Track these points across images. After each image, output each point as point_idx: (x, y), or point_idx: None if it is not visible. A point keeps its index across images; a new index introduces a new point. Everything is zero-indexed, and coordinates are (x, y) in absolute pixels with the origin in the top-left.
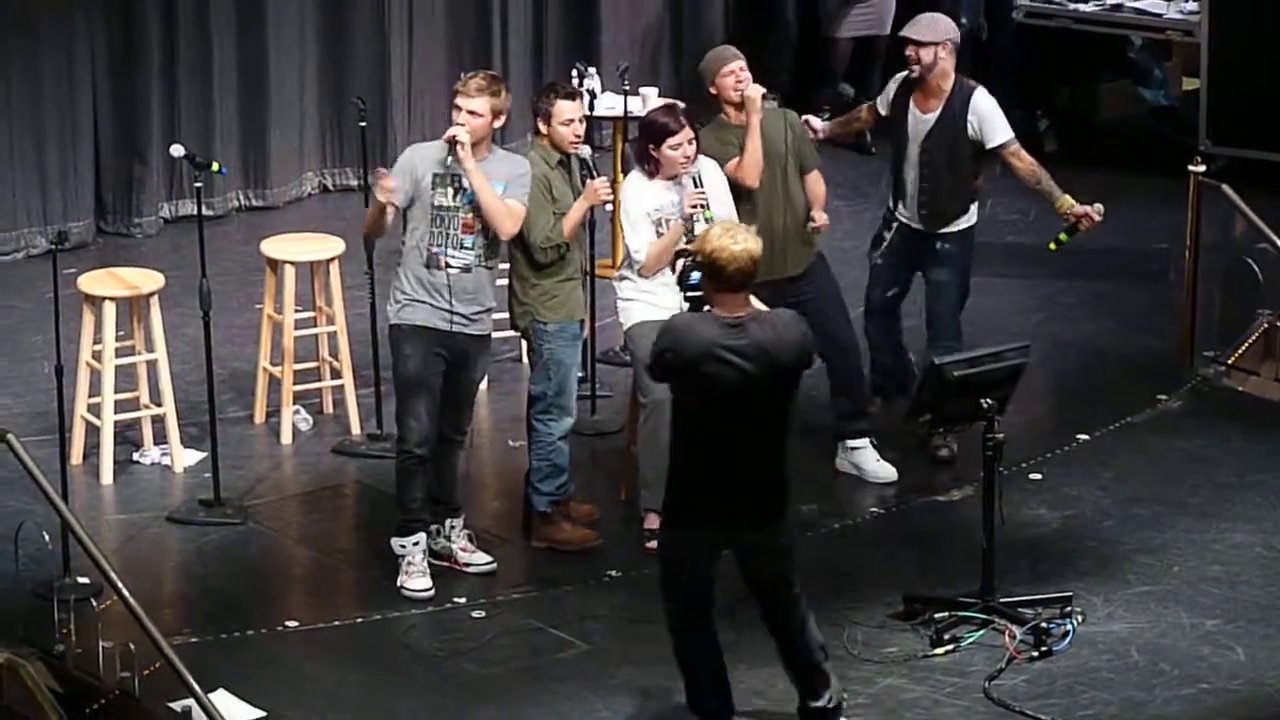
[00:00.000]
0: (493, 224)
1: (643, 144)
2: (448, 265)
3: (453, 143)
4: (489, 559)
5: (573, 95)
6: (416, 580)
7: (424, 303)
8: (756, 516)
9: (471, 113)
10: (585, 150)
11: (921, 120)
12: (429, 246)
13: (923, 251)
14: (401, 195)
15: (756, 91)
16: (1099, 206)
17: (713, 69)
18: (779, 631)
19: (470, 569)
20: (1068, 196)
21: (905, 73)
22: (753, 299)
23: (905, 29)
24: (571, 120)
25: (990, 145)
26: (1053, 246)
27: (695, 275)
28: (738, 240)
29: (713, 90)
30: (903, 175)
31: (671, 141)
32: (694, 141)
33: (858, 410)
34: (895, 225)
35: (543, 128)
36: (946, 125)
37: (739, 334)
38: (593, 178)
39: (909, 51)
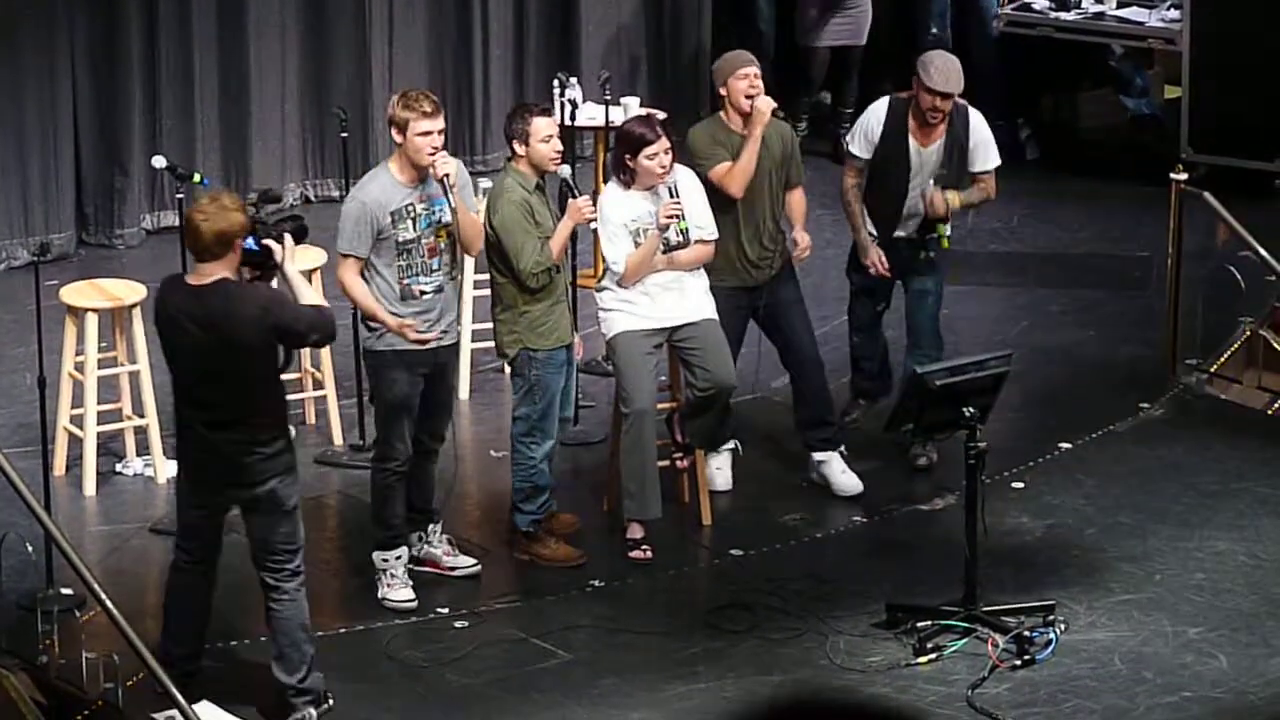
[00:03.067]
0: (468, 245)
1: (619, 154)
2: (422, 293)
3: (444, 179)
4: (474, 561)
5: (547, 111)
6: (399, 592)
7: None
8: (238, 478)
9: (440, 132)
10: (565, 169)
11: (926, 153)
12: (399, 281)
13: (905, 263)
14: (367, 249)
15: (768, 105)
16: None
17: (727, 70)
18: (267, 590)
19: (456, 572)
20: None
21: (884, 106)
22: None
23: (935, 81)
24: (550, 137)
25: (976, 170)
26: (945, 244)
27: (250, 241)
28: (209, 214)
29: (722, 91)
30: (896, 208)
31: (648, 151)
32: (670, 151)
33: (820, 420)
34: (876, 245)
35: (519, 149)
36: (953, 153)
37: (197, 302)
38: (574, 197)
39: (939, 104)
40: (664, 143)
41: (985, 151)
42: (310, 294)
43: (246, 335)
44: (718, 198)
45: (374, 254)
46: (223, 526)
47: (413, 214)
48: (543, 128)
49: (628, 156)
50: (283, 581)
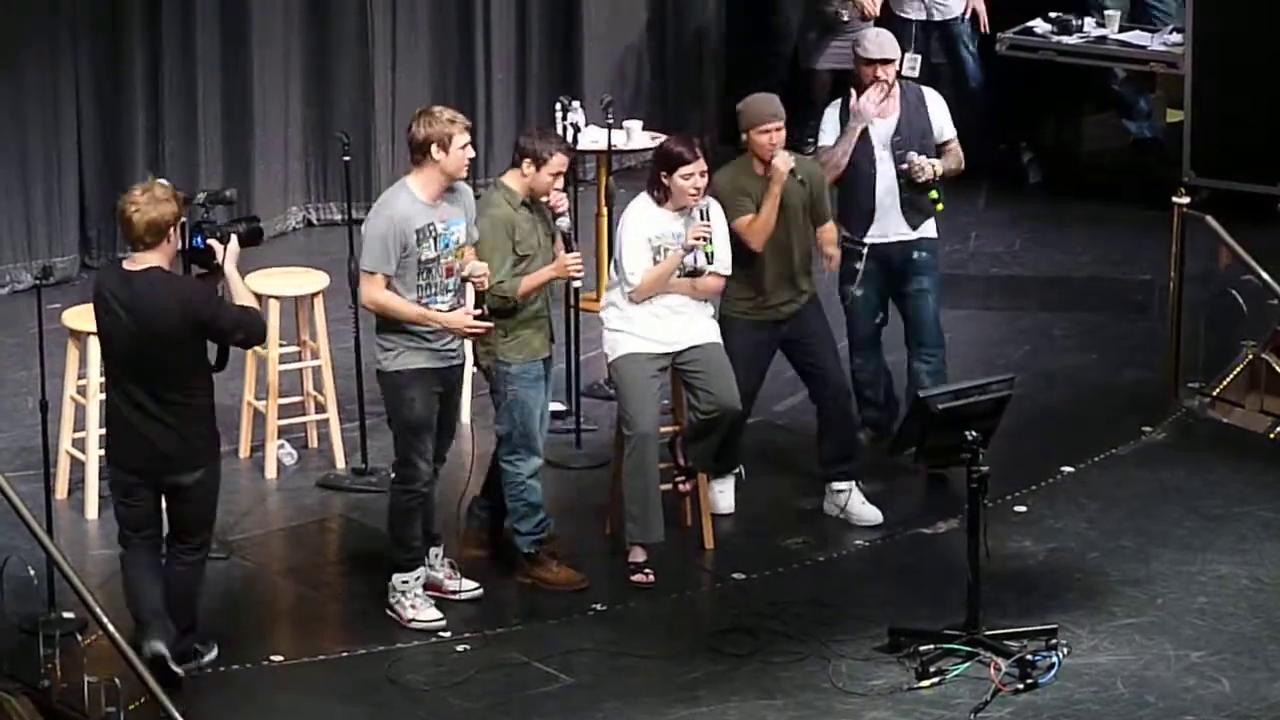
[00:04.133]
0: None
1: (655, 171)
2: (437, 311)
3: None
4: (475, 585)
5: (570, 151)
6: (427, 611)
7: (422, 348)
8: (166, 461)
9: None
10: (565, 222)
11: (883, 125)
12: (419, 301)
13: (899, 267)
14: (394, 266)
15: (785, 164)
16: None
17: (751, 120)
18: (169, 569)
19: (459, 595)
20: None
21: (838, 100)
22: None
23: (871, 51)
24: (561, 174)
25: (942, 140)
26: (940, 207)
27: (197, 240)
28: (140, 205)
29: (744, 137)
30: (871, 194)
31: (684, 170)
32: (705, 174)
33: (844, 454)
34: (865, 252)
35: (527, 170)
36: (913, 121)
37: (127, 287)
38: (569, 250)
39: (881, 73)
40: (700, 164)
41: (946, 122)
42: (244, 295)
43: (168, 325)
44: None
45: (395, 274)
46: (160, 504)
47: (434, 233)
48: (560, 164)
49: (663, 174)
50: (187, 553)
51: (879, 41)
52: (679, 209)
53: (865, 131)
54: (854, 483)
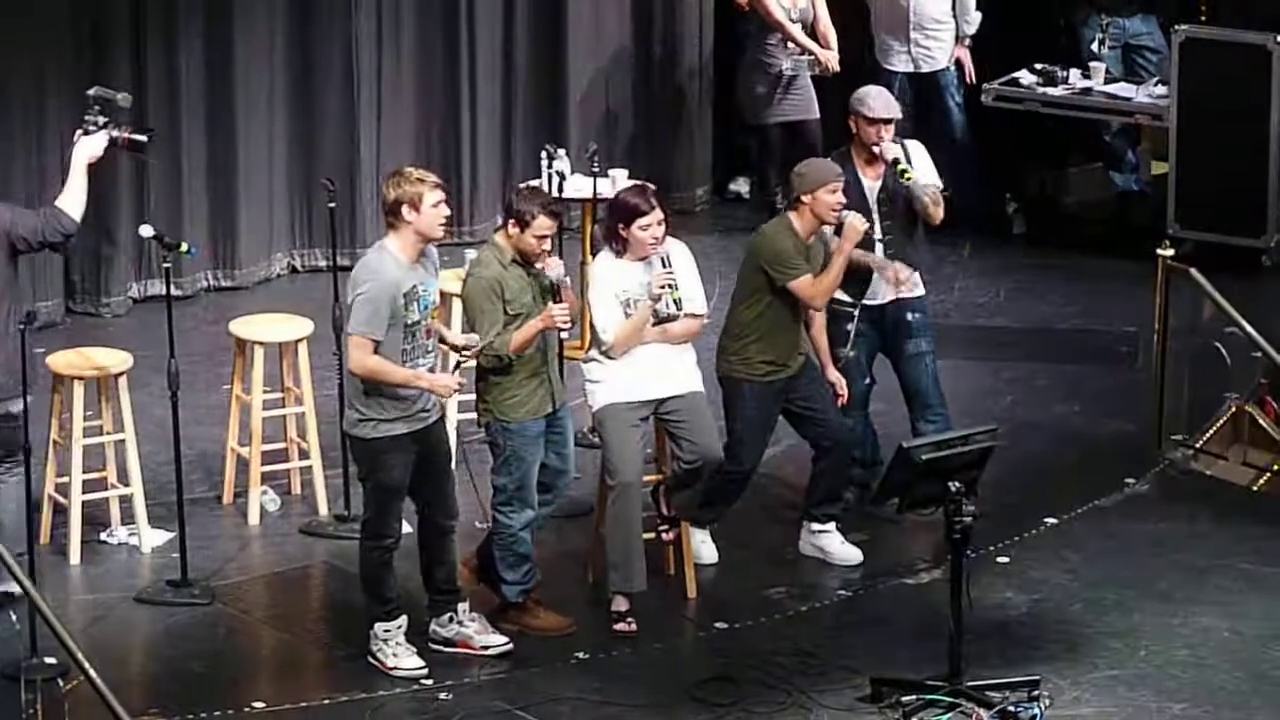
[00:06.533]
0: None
1: (612, 223)
2: (425, 372)
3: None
4: (506, 640)
5: (556, 213)
6: (409, 659)
7: (400, 416)
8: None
9: (447, 202)
10: (558, 272)
11: (875, 186)
12: (404, 362)
13: (892, 329)
14: (383, 331)
15: (861, 223)
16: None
17: (816, 180)
18: None
19: (489, 650)
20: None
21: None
22: None
23: (877, 110)
24: (547, 236)
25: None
26: (907, 177)
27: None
28: None
29: (805, 199)
30: (868, 248)
31: (641, 222)
32: (663, 223)
33: (832, 497)
34: (857, 314)
35: (513, 230)
36: (891, 176)
37: None
38: (556, 301)
39: (884, 131)
40: (657, 214)
41: (928, 171)
42: (75, 190)
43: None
44: (781, 301)
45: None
46: None
47: (417, 295)
48: (545, 226)
49: (620, 226)
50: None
51: (883, 100)
52: (640, 259)
53: (862, 188)
54: (835, 524)
